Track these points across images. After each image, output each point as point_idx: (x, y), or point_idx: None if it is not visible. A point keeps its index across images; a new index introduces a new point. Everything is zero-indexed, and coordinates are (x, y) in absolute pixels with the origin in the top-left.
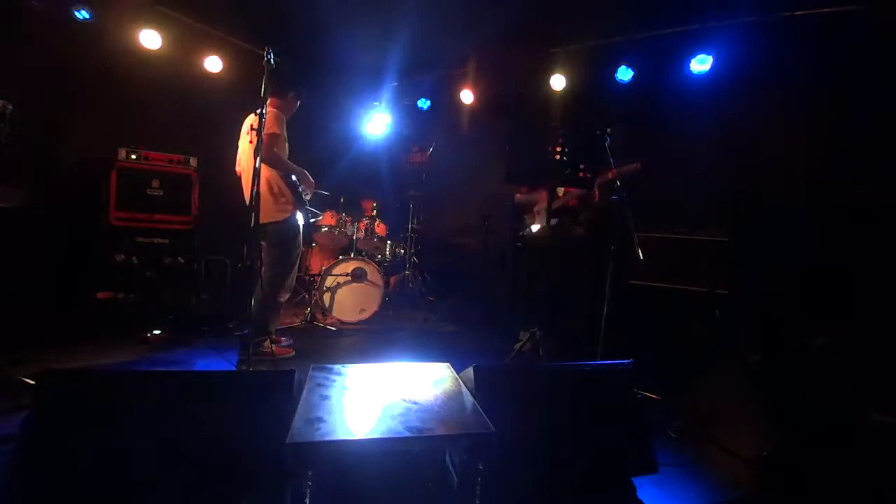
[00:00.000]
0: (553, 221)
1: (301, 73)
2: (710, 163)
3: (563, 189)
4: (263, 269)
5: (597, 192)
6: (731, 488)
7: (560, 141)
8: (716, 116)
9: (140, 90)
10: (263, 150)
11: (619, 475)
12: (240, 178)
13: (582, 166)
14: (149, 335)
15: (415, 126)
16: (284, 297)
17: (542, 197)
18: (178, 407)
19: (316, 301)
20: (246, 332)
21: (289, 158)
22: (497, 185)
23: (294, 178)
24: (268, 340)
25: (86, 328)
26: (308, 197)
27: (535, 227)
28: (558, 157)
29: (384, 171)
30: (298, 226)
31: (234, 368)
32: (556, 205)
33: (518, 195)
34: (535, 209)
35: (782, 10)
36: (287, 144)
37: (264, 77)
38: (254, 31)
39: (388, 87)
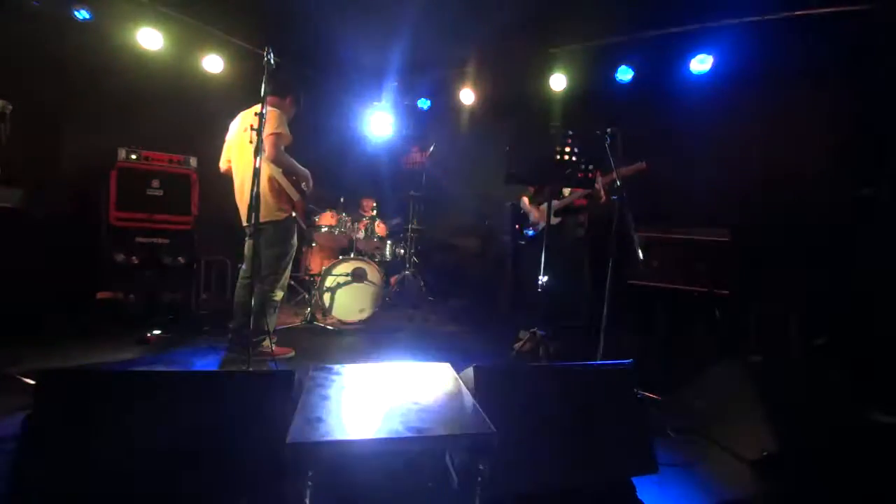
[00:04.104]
0: (555, 221)
1: (300, 79)
2: (711, 163)
3: (568, 189)
4: (260, 268)
5: (603, 193)
6: (731, 488)
7: (562, 141)
8: (716, 116)
9: (140, 90)
10: (270, 149)
11: (619, 475)
12: (226, 174)
13: (583, 166)
14: (149, 335)
15: (415, 126)
16: (279, 295)
17: (541, 210)
18: (178, 407)
19: (316, 301)
20: (230, 324)
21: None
22: (497, 185)
23: (294, 178)
24: (267, 340)
25: (86, 328)
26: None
27: (542, 225)
28: (559, 157)
29: (384, 171)
30: (295, 226)
31: (219, 362)
32: (562, 204)
33: (525, 198)
34: (540, 209)
35: (782, 10)
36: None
37: (264, 77)
38: (254, 31)
39: (388, 87)
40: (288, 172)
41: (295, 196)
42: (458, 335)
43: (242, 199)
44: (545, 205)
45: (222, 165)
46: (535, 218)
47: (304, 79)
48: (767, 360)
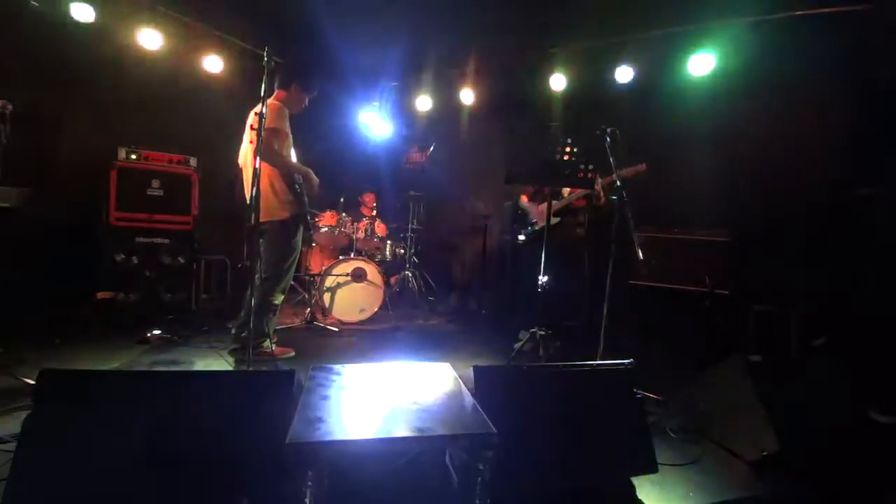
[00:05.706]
0: (555, 221)
1: (308, 65)
2: (711, 163)
3: (568, 189)
4: (261, 269)
5: (602, 193)
6: (731, 488)
7: (561, 141)
8: (716, 117)
9: (140, 90)
10: (262, 147)
11: (619, 475)
12: (242, 171)
13: (582, 166)
14: (149, 335)
15: (414, 126)
16: (279, 298)
17: (540, 209)
18: (178, 407)
19: (316, 301)
20: (229, 323)
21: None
22: (497, 184)
23: (295, 176)
24: (267, 341)
25: (86, 328)
26: (313, 194)
27: (539, 224)
28: (559, 157)
29: (384, 171)
30: (298, 226)
31: (230, 367)
32: (561, 204)
33: (524, 196)
34: (539, 208)
35: (782, 10)
36: (290, 141)
37: (264, 77)
38: (254, 31)
39: (388, 87)
40: (285, 172)
41: (288, 198)
42: (459, 335)
43: (247, 198)
44: (545, 204)
45: (240, 162)
46: (535, 216)
47: (309, 65)
48: (767, 360)
